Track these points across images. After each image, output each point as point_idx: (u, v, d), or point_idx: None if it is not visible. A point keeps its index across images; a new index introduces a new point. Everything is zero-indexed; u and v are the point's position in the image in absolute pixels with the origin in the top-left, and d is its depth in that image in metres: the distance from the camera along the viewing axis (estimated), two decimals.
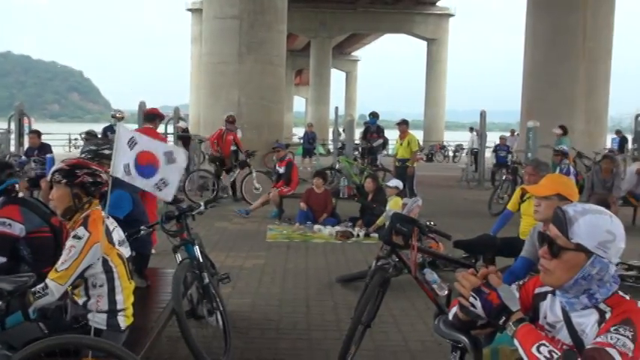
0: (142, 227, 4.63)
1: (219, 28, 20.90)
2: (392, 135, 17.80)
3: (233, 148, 13.67)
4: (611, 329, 1.94)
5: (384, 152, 19.42)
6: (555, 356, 1.88)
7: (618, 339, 1.89)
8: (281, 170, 11.93)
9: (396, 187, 9.64)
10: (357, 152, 15.93)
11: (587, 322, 2.06)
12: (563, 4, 18.94)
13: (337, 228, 9.78)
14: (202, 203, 4.77)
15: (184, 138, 15.84)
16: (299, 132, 35.20)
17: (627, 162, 16.30)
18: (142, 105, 11.75)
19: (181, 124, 16.68)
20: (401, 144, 13.36)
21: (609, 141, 22.66)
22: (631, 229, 10.56)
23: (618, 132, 20.92)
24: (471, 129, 26.00)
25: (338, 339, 4.69)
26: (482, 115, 18.90)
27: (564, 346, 2.06)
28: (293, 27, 36.11)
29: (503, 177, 14.23)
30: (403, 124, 13.46)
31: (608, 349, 1.87)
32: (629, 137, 21.42)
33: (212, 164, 13.69)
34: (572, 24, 18.78)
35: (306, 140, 24.97)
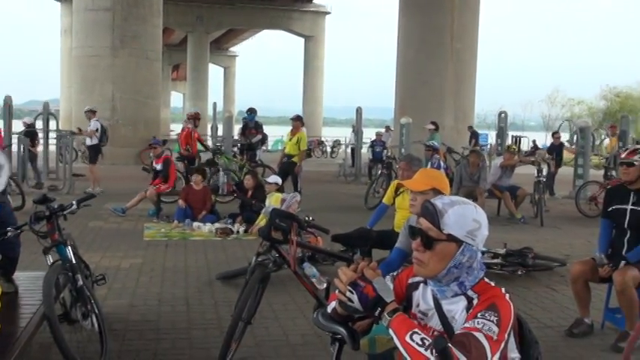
0: (9, 229, 4.38)
1: (91, 20, 20.12)
2: (272, 131, 17.84)
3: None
4: (478, 315, 2.06)
5: (263, 148, 19.44)
6: (427, 343, 1.97)
7: (485, 324, 2.02)
8: (158, 167, 11.64)
9: (276, 184, 9.68)
10: (235, 148, 15.83)
11: (456, 308, 2.18)
12: (433, 5, 19.72)
13: (217, 225, 9.69)
14: (74, 202, 4.57)
15: (31, 134, 15.09)
16: (177, 128, 34.51)
17: (492, 156, 17.24)
18: (7, 99, 11.11)
19: (26, 119, 15.92)
20: (290, 139, 12.94)
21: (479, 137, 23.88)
22: (496, 220, 11.24)
23: (470, 127, 21.99)
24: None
25: (219, 337, 4.67)
26: (359, 111, 19.38)
27: (435, 333, 2.16)
28: (169, 21, 35.37)
29: (379, 172, 14.64)
30: (297, 121, 12.80)
31: (475, 333, 1.99)
32: (493, 133, 22.69)
33: (181, 163, 13.19)
34: (440, 24, 19.59)
35: None
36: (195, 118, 13.76)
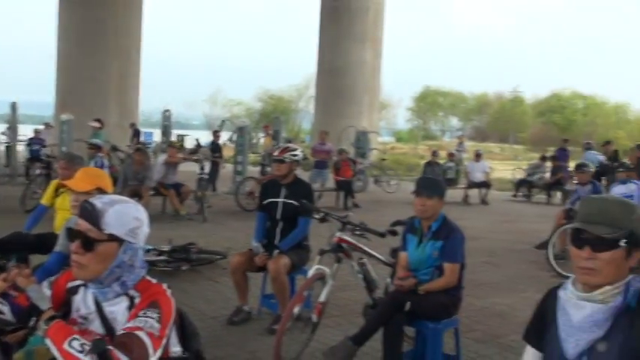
0: None
1: None
2: None
3: None
4: (140, 313, 2.08)
5: None
6: (87, 348, 1.93)
7: (146, 322, 2.04)
8: None
9: None
10: None
11: (118, 309, 2.16)
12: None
13: None
14: None
15: None
16: None
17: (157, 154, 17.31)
18: None
19: None
20: None
21: (143, 135, 23.64)
22: (161, 217, 11.32)
23: (132, 125, 21.91)
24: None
25: None
26: (13, 106, 17.83)
27: (97, 337, 2.12)
28: None
29: (37, 171, 13.69)
30: None
31: (137, 332, 2.00)
32: (159, 131, 22.75)
33: None
34: (103, 19, 19.05)
35: None
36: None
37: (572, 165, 18.54)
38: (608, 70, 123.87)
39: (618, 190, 9.07)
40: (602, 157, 17.03)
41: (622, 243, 1.85)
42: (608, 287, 1.87)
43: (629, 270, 1.91)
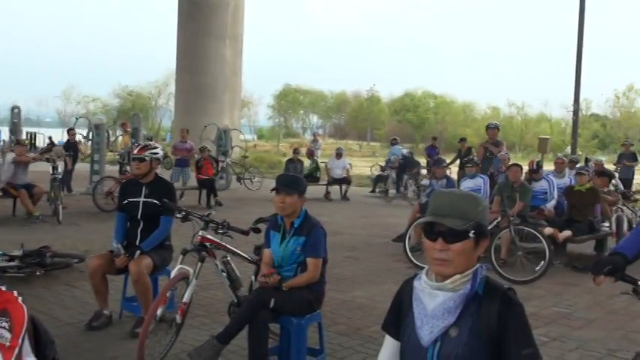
0: None
1: None
2: None
3: None
4: None
5: None
6: None
7: None
8: None
9: None
10: None
11: None
12: None
13: None
14: None
15: None
16: None
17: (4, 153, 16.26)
18: None
19: None
20: None
21: None
22: (12, 220, 10.69)
23: None
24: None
25: None
26: None
27: None
28: None
29: None
30: None
31: None
32: (7, 129, 21.41)
33: None
34: None
35: None
36: None
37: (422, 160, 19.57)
38: (455, 70, 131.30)
39: (467, 184, 9.69)
40: (405, 151, 19.36)
41: (471, 234, 1.99)
42: (458, 276, 2.00)
43: (477, 259, 2.06)
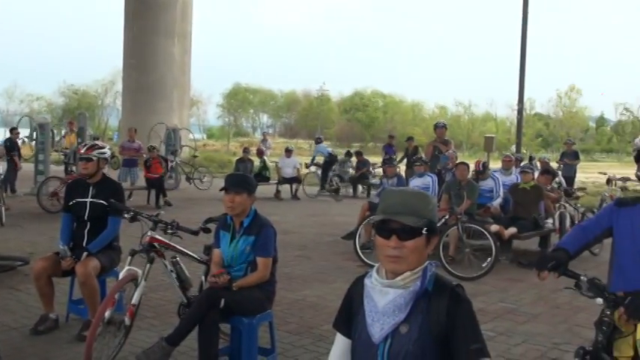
0: None
1: None
2: None
3: None
4: None
5: None
6: None
7: None
8: None
9: None
10: None
11: None
12: None
13: None
14: None
15: None
16: None
17: None
18: None
19: None
20: None
21: None
22: None
23: None
24: None
25: None
26: None
27: None
28: None
29: None
30: None
31: None
32: None
33: None
34: None
35: None
36: None
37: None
38: (404, 70, 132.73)
39: (416, 183, 9.82)
40: (330, 150, 20.38)
41: (424, 231, 2.02)
42: (408, 273, 2.03)
43: (427, 256, 2.09)
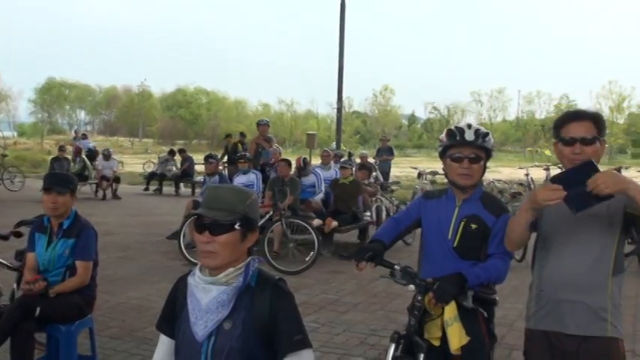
0: None
1: None
2: None
3: None
4: None
5: None
6: None
7: None
8: None
9: None
10: None
11: None
12: None
13: None
14: None
15: None
16: None
17: None
18: None
19: None
20: None
21: None
22: None
23: None
24: None
25: None
26: None
27: None
28: None
29: None
30: None
31: None
32: None
33: None
34: None
35: None
36: None
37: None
38: (227, 67, 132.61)
39: (240, 180, 9.87)
40: (92, 145, 21.32)
41: (237, 226, 2.06)
42: (231, 269, 2.07)
43: (247, 251, 2.14)
